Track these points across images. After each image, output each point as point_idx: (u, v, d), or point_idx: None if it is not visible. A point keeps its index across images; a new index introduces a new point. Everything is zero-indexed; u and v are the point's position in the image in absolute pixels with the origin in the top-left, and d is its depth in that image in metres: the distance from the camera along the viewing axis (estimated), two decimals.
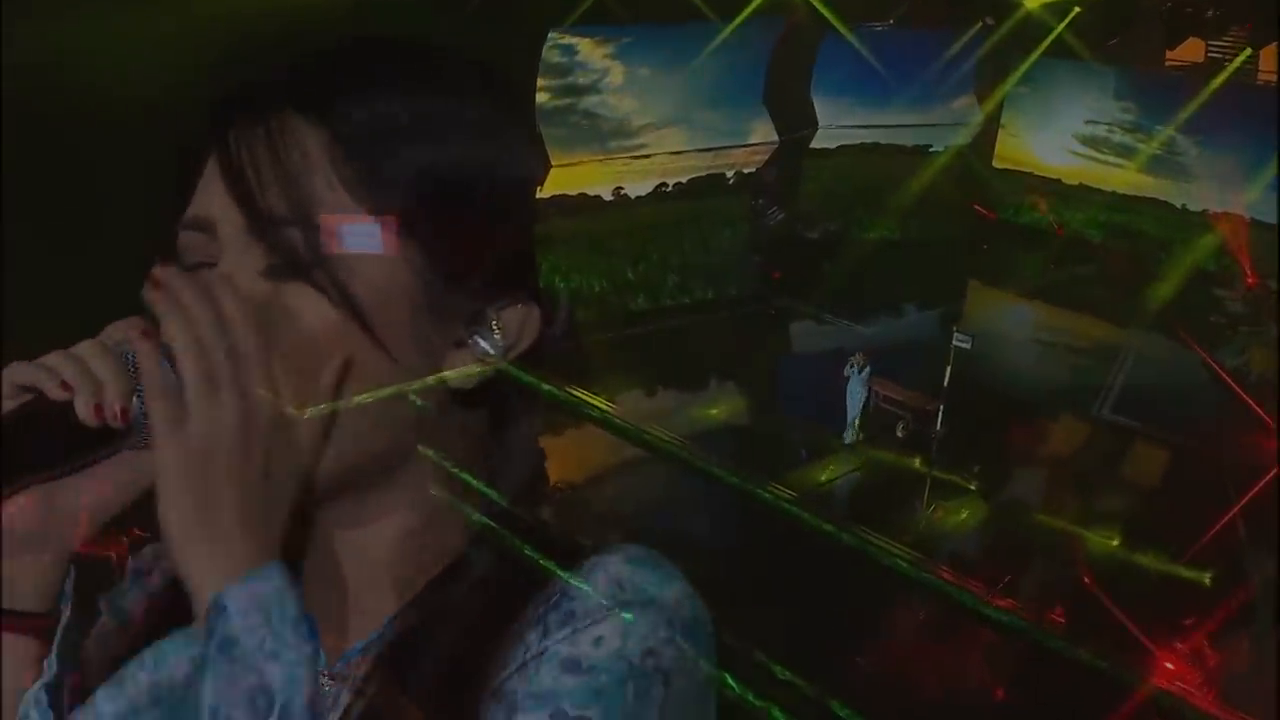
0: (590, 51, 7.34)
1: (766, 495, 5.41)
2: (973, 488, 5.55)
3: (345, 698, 0.63)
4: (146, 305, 0.60)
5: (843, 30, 8.12)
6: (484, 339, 0.64)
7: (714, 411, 6.52)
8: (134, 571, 0.73)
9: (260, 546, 0.58)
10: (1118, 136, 9.37)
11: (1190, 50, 8.45)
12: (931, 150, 10.32)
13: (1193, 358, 6.69)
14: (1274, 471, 4.94)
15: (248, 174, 0.59)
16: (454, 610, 0.63)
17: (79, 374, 0.57)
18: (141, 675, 0.58)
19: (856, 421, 5.74)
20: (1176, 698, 4.03)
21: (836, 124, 9.78)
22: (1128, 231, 9.49)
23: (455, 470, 0.63)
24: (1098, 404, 6.65)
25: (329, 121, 0.60)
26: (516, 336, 0.64)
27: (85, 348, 0.58)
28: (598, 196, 7.73)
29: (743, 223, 8.89)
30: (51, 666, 0.61)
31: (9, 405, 0.57)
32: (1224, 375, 6.39)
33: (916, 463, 5.79)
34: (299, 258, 0.58)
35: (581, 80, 7.14)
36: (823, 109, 9.70)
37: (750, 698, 0.71)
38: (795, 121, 9.09)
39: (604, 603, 0.60)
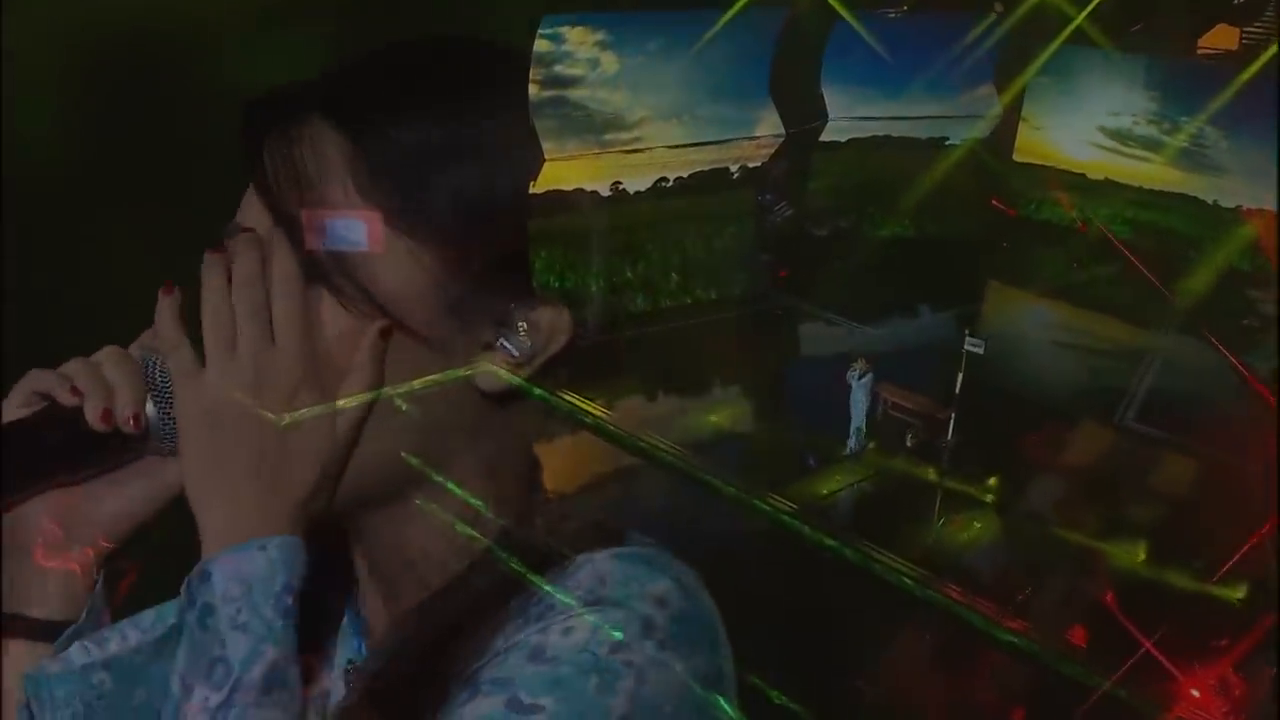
0: (583, 39, 7.26)
1: (765, 507, 5.31)
2: (986, 500, 5.45)
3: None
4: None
5: (852, 19, 8.02)
6: (511, 341, 0.65)
7: (714, 418, 6.43)
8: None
9: (270, 516, 0.58)
10: (1145, 129, 9.20)
11: (1222, 37, 8.30)
12: (948, 143, 10.13)
13: (1223, 362, 6.53)
14: None
15: (272, 178, 0.62)
16: (452, 608, 0.66)
17: (90, 379, 0.59)
18: (131, 633, 0.60)
19: (861, 430, 5.63)
20: None
21: (847, 116, 9.67)
22: (1155, 229, 9.31)
23: (440, 478, 0.65)
24: (1120, 411, 6.51)
25: (349, 126, 0.63)
26: (546, 338, 0.67)
27: (102, 354, 0.60)
28: (594, 192, 7.64)
29: (748, 219, 8.77)
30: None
31: (24, 412, 0.58)
32: (1256, 382, 6.24)
33: (926, 473, 5.69)
34: (318, 262, 0.60)
35: (573, 70, 7.06)
36: (833, 100, 9.58)
37: None
38: (803, 113, 8.98)
39: (583, 596, 0.61)
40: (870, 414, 5.74)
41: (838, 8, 8.49)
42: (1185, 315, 8.29)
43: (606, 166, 8.30)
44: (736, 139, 8.70)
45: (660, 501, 5.47)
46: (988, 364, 7.10)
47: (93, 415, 0.59)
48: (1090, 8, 8.96)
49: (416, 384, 0.61)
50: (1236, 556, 4.64)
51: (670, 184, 8.36)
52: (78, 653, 0.60)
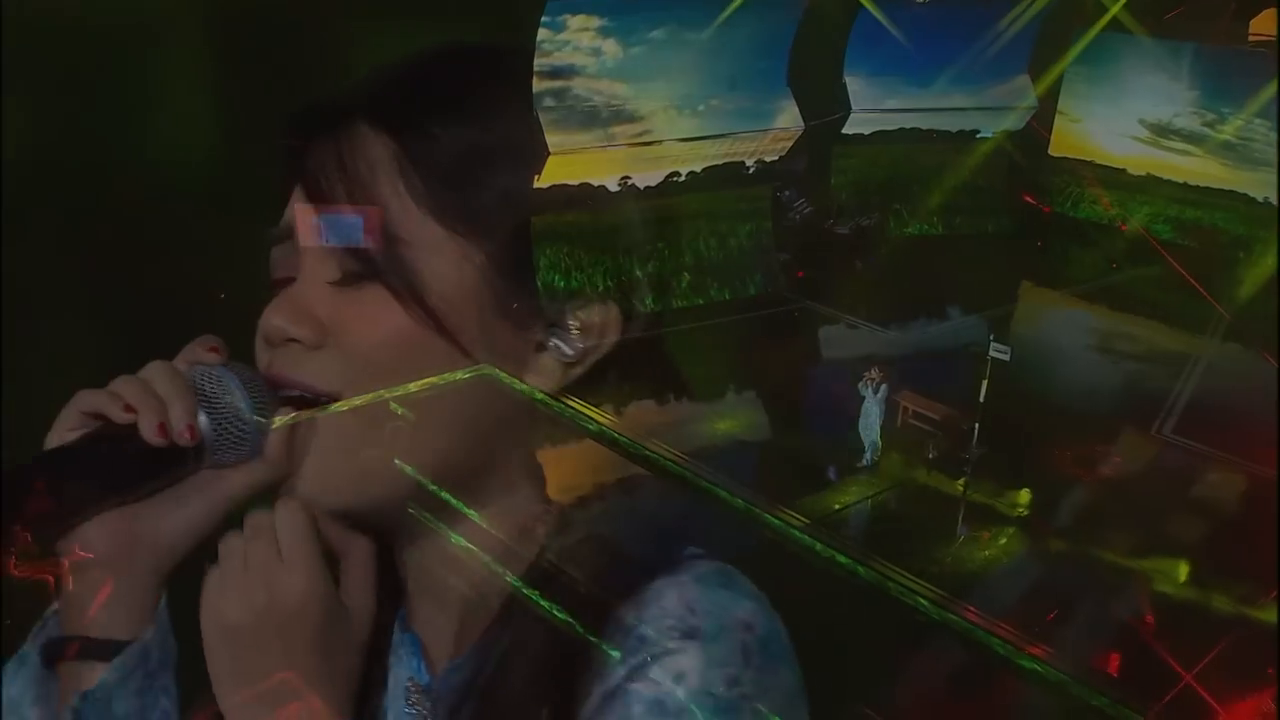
0: (586, 25, 7.14)
1: (775, 520, 5.21)
2: (1012, 516, 5.33)
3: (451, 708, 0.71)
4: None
5: (874, 6, 7.86)
6: (563, 340, 0.59)
7: (723, 425, 6.33)
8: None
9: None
10: (1190, 121, 8.93)
11: (1272, 22, 8.06)
12: (979, 136, 9.88)
13: (1271, 371, 6.34)
14: None
15: (320, 182, 0.74)
16: (530, 630, 0.76)
17: (142, 395, 0.69)
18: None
19: (876, 445, 5.52)
20: None
21: (872, 107, 9.45)
22: (1200, 227, 9.05)
23: (434, 488, 0.71)
24: (1158, 422, 6.34)
25: (396, 132, 0.76)
26: (599, 335, 0.60)
27: (150, 369, 0.70)
28: (602, 187, 7.54)
29: (764, 216, 8.61)
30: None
31: (77, 433, 0.69)
32: None
33: (948, 487, 5.57)
34: (371, 262, 0.71)
35: (576, 58, 6.98)
36: (856, 90, 9.36)
37: None
38: (825, 104, 8.78)
39: (676, 627, 0.72)
40: (886, 424, 5.62)
41: None
42: (1231, 320, 8.00)
43: (614, 161, 8.34)
44: (752, 131, 9.06)
45: (664, 513, 5.39)
46: (1016, 371, 6.93)
47: (148, 430, 0.62)
48: None
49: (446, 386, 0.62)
50: None
51: (682, 179, 8.93)
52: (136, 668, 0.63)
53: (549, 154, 0.55)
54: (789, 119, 9.40)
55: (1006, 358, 5.23)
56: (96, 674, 0.61)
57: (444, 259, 0.61)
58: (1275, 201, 8.22)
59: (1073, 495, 5.47)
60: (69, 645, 0.56)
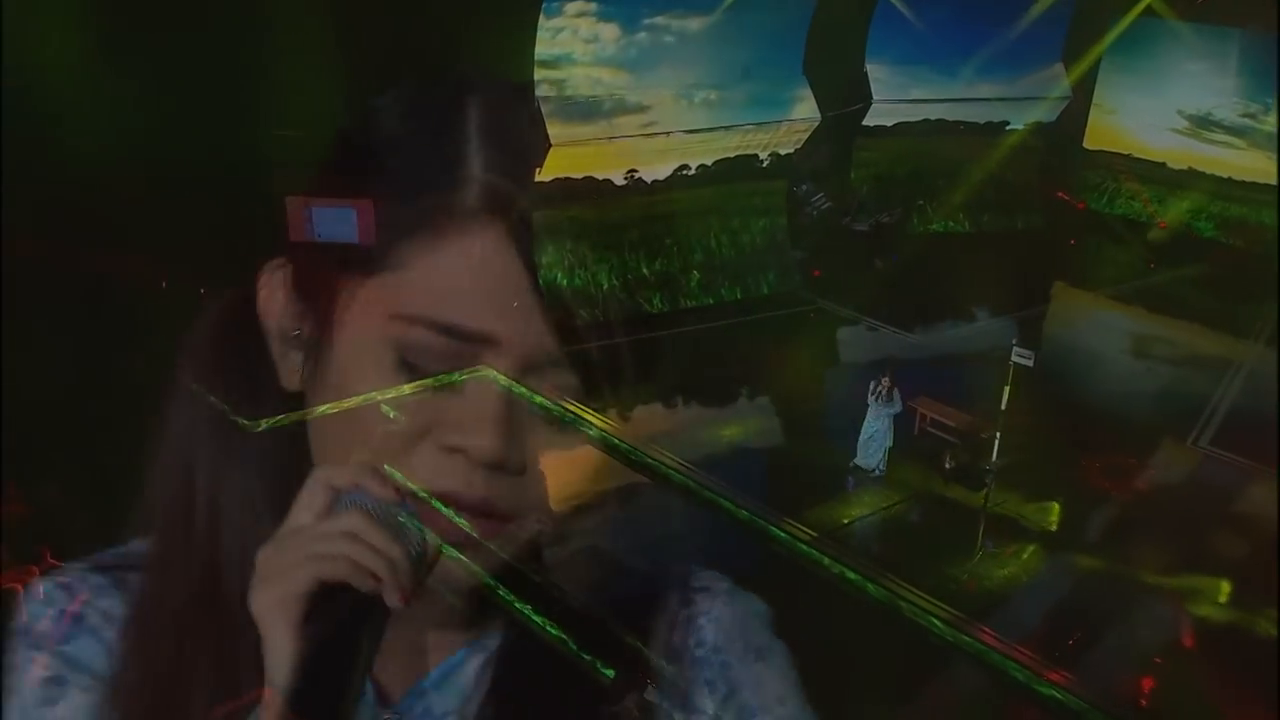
0: (587, 9, 7.08)
1: (780, 533, 5.09)
2: (1035, 532, 5.17)
3: None
4: None
5: None
6: None
7: (730, 431, 6.24)
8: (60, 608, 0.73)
9: None
10: (1233, 112, 8.77)
11: None
12: (1009, 128, 9.83)
13: None
14: None
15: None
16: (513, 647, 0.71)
17: (379, 561, 0.61)
18: None
19: (885, 453, 5.38)
20: None
21: (895, 98, 9.37)
22: (1244, 225, 8.89)
23: (426, 496, 0.66)
24: (1195, 432, 6.16)
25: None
26: None
27: (366, 528, 0.61)
28: (608, 180, 7.50)
29: (779, 212, 8.54)
30: None
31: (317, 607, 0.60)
32: None
33: (967, 500, 5.42)
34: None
35: (578, 46, 6.92)
36: (879, 79, 9.30)
37: None
38: (844, 94, 8.71)
39: (744, 648, 0.73)
40: (902, 432, 5.47)
41: None
42: (1276, 324, 7.87)
43: (620, 152, 7.85)
44: (766, 122, 8.30)
45: (664, 524, 5.30)
46: (1046, 377, 6.78)
47: (394, 598, 0.62)
48: None
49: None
50: None
51: (692, 172, 8.19)
52: None
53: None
54: (806, 109, 9.18)
55: (1030, 363, 5.07)
56: None
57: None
58: None
59: (1100, 510, 5.30)
60: None
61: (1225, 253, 8.07)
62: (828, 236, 8.36)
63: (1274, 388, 6.61)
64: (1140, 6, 8.01)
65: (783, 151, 7.89)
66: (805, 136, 7.85)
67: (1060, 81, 8.84)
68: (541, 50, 6.56)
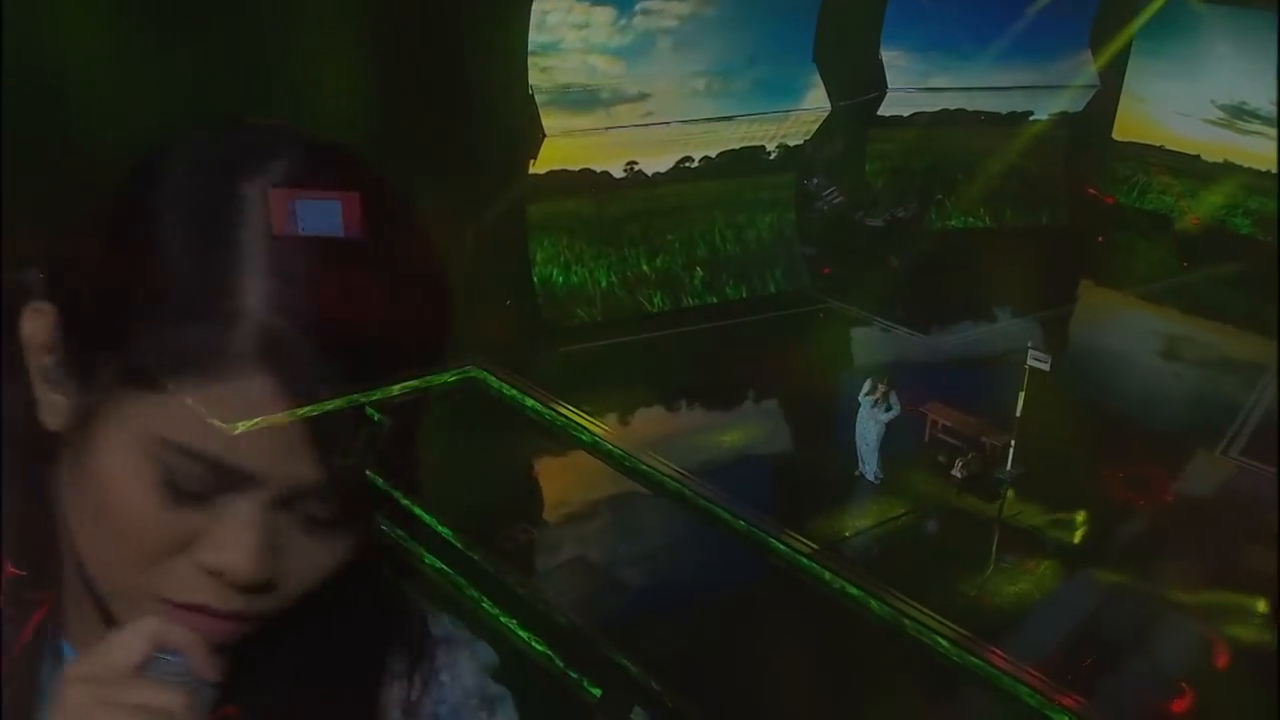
0: None
1: (780, 545, 5.03)
2: (1050, 546, 5.07)
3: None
4: None
5: None
6: None
7: (737, 437, 6.16)
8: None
9: None
10: (1271, 102, 8.57)
11: None
12: (1033, 119, 9.66)
13: None
14: None
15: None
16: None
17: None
18: None
19: (877, 459, 5.27)
20: None
21: (912, 86, 9.24)
22: None
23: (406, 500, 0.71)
24: (1224, 442, 6.03)
25: None
26: None
27: (176, 712, 0.63)
28: (606, 173, 7.43)
29: (787, 207, 8.44)
30: None
31: None
32: None
33: (979, 511, 5.32)
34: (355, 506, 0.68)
35: (574, 31, 6.85)
36: (894, 66, 9.19)
37: None
38: (857, 82, 8.60)
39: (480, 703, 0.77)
40: (904, 439, 5.37)
41: None
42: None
43: (619, 144, 7.60)
44: (774, 112, 8.10)
45: (656, 536, 5.24)
46: (1070, 381, 6.65)
47: None
48: None
49: None
50: None
51: (695, 164, 8.04)
52: None
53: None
54: (816, 98, 9.06)
55: (1046, 367, 4.96)
56: None
57: None
58: None
59: (1121, 523, 5.18)
60: None
61: (1262, 250, 7.91)
62: (839, 232, 8.27)
63: None
64: None
65: (791, 143, 7.80)
66: (815, 127, 7.75)
67: (1087, 69, 8.70)
68: (534, 35, 6.51)
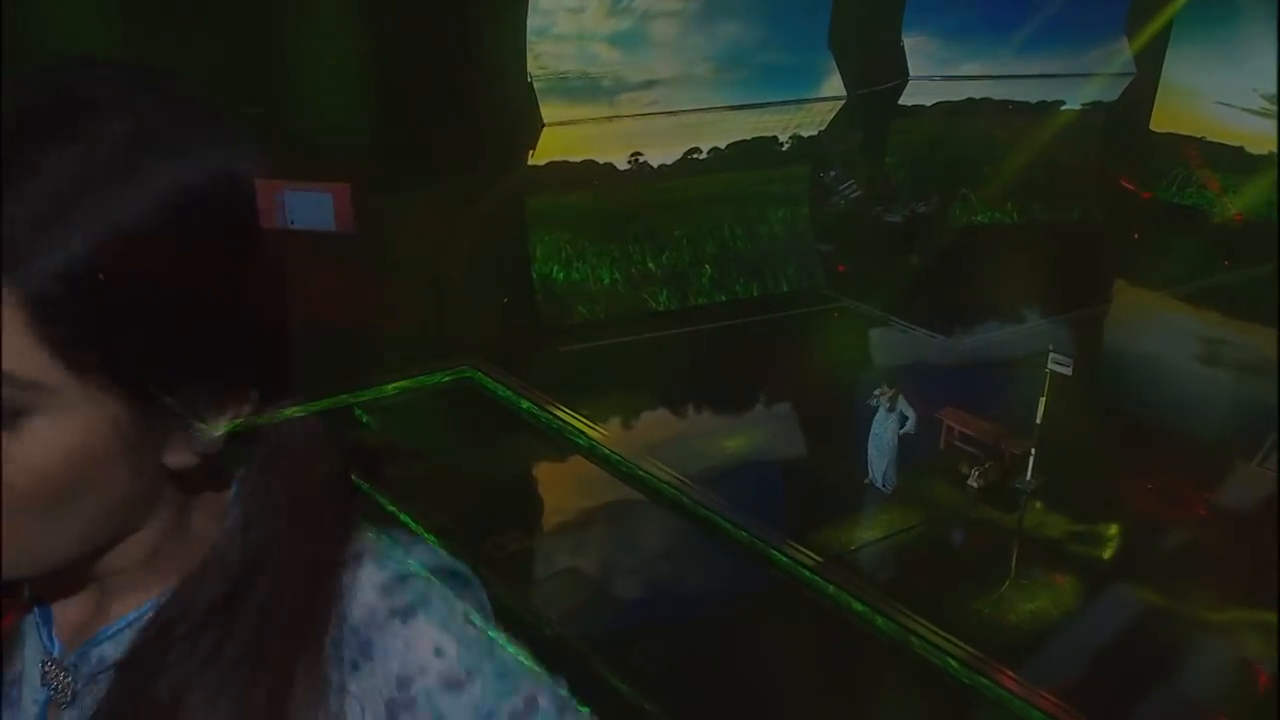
0: None
1: (782, 557, 4.96)
2: (1070, 561, 4.98)
3: (93, 684, 0.76)
4: None
5: None
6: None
7: (744, 443, 6.10)
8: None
9: None
10: None
11: None
12: (1064, 108, 9.53)
13: None
14: None
15: None
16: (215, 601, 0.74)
17: None
18: None
19: (890, 467, 5.20)
20: None
21: (935, 73, 9.12)
22: None
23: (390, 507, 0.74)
24: (1261, 453, 5.90)
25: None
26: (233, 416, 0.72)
27: None
28: (609, 164, 7.39)
29: (801, 201, 8.37)
30: None
31: None
32: None
33: (996, 523, 5.24)
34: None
35: (575, 15, 6.82)
36: (916, 53, 9.07)
37: None
38: (876, 69, 8.49)
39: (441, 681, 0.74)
40: (918, 445, 5.30)
41: None
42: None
43: (622, 134, 7.56)
44: (787, 101, 8.00)
45: (652, 546, 5.19)
46: (1100, 385, 6.53)
47: None
48: None
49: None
50: None
51: (703, 156, 8.02)
52: None
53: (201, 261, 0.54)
54: (832, 86, 8.96)
55: (1068, 371, 4.87)
56: None
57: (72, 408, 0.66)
58: None
59: (1148, 538, 5.08)
60: None
61: None
62: (856, 228, 8.19)
63: None
64: None
65: (805, 134, 7.74)
66: (831, 117, 7.68)
67: (1123, 55, 8.58)
68: (532, 19, 6.48)
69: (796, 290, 7.72)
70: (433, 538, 0.71)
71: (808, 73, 7.56)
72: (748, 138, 7.56)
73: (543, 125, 6.69)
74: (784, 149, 7.75)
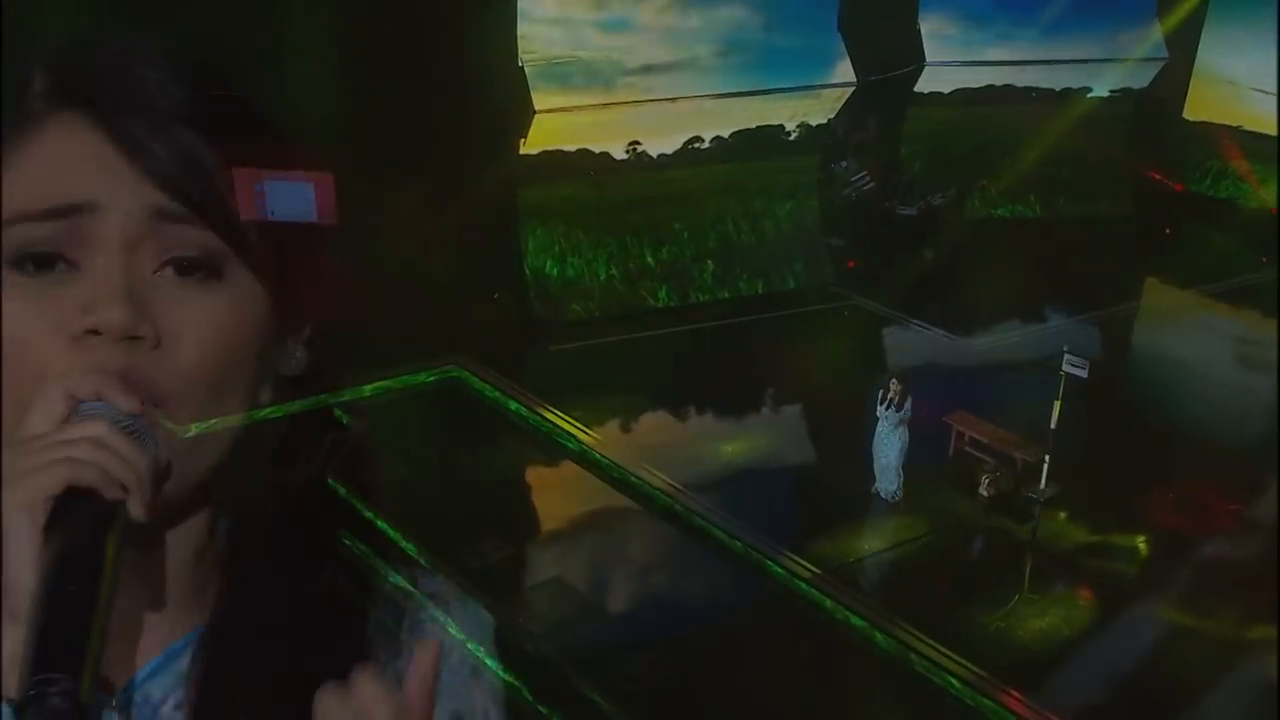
0: None
1: (778, 569, 4.90)
2: (1086, 575, 4.92)
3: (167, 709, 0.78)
4: None
5: None
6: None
7: (745, 447, 6.05)
8: None
9: None
10: None
11: None
12: (1091, 95, 9.40)
13: None
14: None
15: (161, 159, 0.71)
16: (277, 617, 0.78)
17: (132, 476, 0.68)
18: None
19: (896, 474, 5.13)
20: None
21: (953, 59, 9.01)
22: None
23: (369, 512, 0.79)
24: None
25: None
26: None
27: (113, 437, 0.68)
28: (606, 154, 7.35)
29: (809, 193, 8.30)
30: None
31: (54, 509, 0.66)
32: None
33: (1007, 534, 5.16)
34: (214, 255, 0.73)
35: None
36: (934, 37, 8.96)
37: None
38: (890, 55, 8.39)
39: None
40: (927, 452, 5.23)
41: None
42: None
43: (620, 121, 7.49)
44: (794, 88, 7.90)
45: (642, 557, 5.14)
46: (1128, 389, 6.41)
47: (139, 509, 0.68)
48: None
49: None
50: None
51: (705, 145, 7.93)
52: None
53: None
54: (842, 72, 8.86)
55: (1083, 373, 4.79)
56: None
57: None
58: None
59: (1170, 551, 4.99)
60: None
61: None
62: (867, 222, 8.11)
63: None
64: None
65: (813, 122, 7.67)
66: (840, 104, 7.61)
67: (1153, 38, 8.47)
68: (523, 2, 6.45)
69: (803, 287, 7.65)
70: (412, 546, 0.75)
71: (816, 57, 7.49)
72: (752, 126, 7.51)
73: (535, 112, 6.65)
74: (791, 138, 7.69)
